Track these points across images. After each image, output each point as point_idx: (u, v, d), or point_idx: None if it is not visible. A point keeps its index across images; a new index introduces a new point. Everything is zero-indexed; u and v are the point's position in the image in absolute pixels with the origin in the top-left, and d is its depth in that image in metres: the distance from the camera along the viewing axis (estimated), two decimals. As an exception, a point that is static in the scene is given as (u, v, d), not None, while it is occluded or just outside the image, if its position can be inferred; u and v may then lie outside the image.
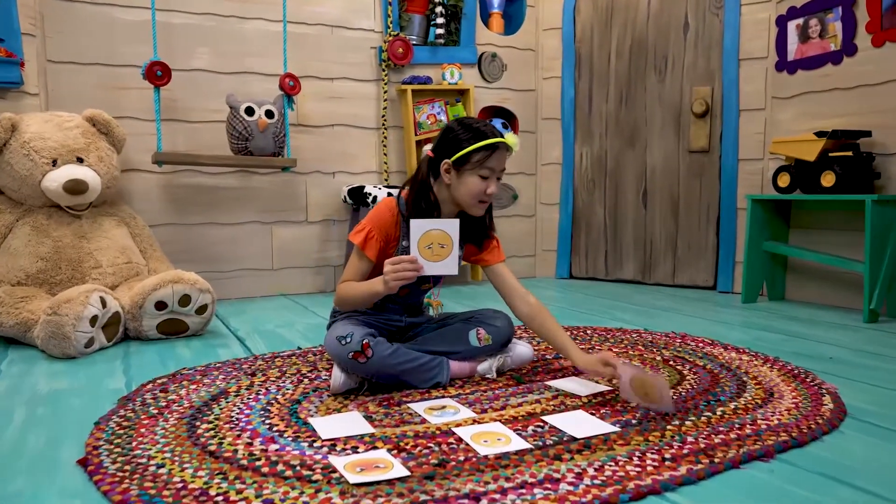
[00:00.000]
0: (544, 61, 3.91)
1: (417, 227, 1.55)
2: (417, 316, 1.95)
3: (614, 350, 2.15)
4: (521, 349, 1.92)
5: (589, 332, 2.43)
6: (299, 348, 2.19)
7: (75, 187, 2.45)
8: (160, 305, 2.29)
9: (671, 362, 1.98)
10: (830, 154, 2.78)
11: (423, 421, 1.46)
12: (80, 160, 2.54)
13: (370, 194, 3.13)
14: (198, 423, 1.45)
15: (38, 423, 1.49)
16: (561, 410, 1.53)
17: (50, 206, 2.53)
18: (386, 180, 3.49)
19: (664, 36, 3.55)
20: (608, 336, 2.36)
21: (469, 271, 3.78)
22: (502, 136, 1.69)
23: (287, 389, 1.73)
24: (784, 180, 2.97)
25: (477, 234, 1.84)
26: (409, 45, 3.40)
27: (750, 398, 1.63)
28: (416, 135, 3.47)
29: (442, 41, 3.62)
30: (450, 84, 3.56)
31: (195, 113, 3.07)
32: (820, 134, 2.80)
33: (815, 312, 2.87)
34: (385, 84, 3.44)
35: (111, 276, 2.52)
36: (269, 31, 3.13)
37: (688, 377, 1.81)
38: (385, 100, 3.45)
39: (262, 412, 1.53)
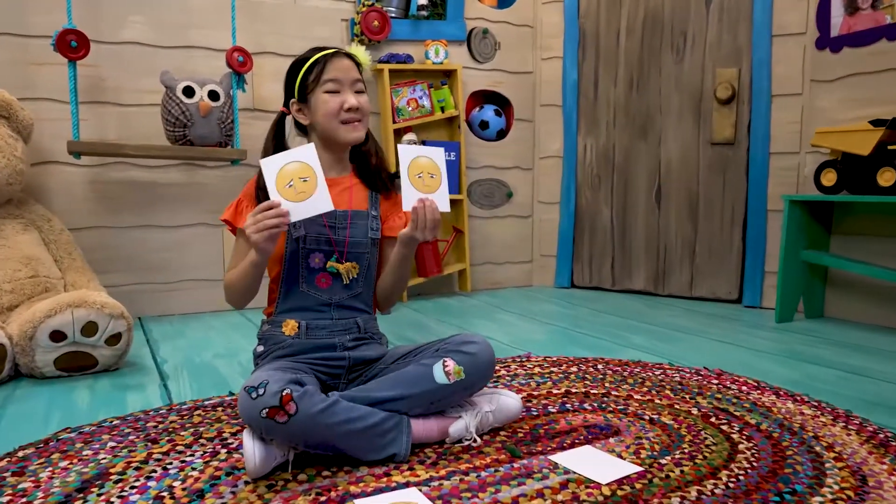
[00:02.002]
0: (543, 39, 3.41)
1: (268, 165, 1.30)
2: (361, 343, 1.47)
3: (635, 395, 1.67)
4: (506, 400, 1.44)
5: (600, 366, 1.95)
6: (231, 394, 1.71)
7: (-42, 184, 1.95)
8: (57, 336, 1.80)
9: (713, 418, 1.51)
10: (889, 147, 2.30)
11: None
12: (-32, 150, 2.05)
13: (338, 192, 2.65)
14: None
15: None
16: (574, 518, 1.06)
17: (-68, 207, 2.04)
18: (360, 175, 3.01)
19: (683, 9, 3.07)
20: (625, 373, 1.88)
21: (456, 280, 3.30)
22: (334, 49, 1.47)
23: (193, 468, 1.25)
24: (829, 178, 2.49)
25: (373, 173, 1.53)
26: (387, 17, 2.90)
27: (837, 488, 1.16)
28: (394, 122, 2.98)
29: (426, 14, 3.13)
30: (434, 64, 3.07)
31: (127, 94, 2.57)
32: (877, 123, 2.32)
33: (868, 336, 2.40)
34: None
35: (8, 295, 2.03)
36: (217, -1, 2.63)
37: (741, 448, 1.34)
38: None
39: (136, 521, 1.06)
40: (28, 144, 2.26)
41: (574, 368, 1.93)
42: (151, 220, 2.66)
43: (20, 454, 1.32)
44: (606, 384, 1.78)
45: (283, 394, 1.14)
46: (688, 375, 1.86)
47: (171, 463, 1.27)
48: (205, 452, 1.32)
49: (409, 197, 1.39)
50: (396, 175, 1.58)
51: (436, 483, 1.17)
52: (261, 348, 1.48)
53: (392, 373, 1.37)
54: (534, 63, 3.44)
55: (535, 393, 1.70)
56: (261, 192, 1.40)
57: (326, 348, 1.44)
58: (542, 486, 1.16)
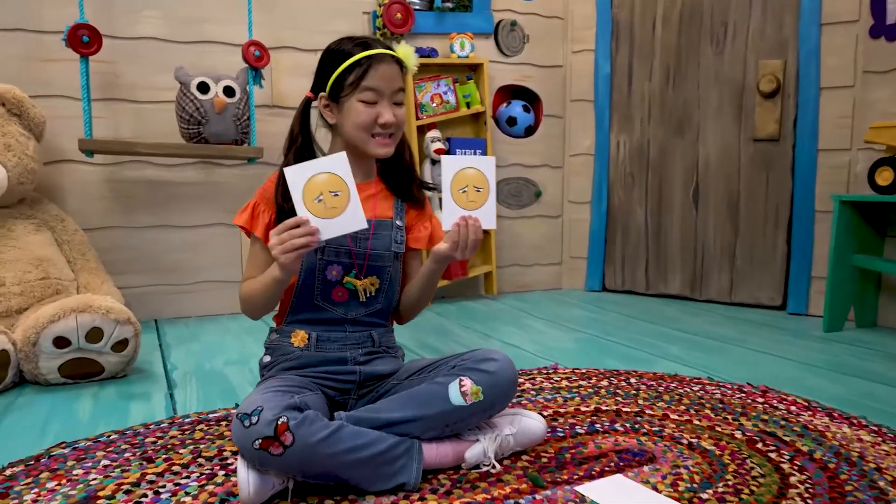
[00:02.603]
0: (574, 31, 3.26)
1: (294, 176, 1.15)
2: (374, 357, 1.36)
3: (672, 414, 1.53)
4: (529, 422, 1.31)
5: (633, 380, 1.81)
6: (237, 406, 1.61)
7: (-35, 184, 1.90)
8: (61, 342, 1.73)
9: (759, 444, 1.36)
10: (953, 143, 2.12)
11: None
12: (-23, 149, 1.99)
13: (358, 191, 2.54)
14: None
15: None
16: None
17: (-59, 206, 1.99)
18: (382, 174, 2.90)
19: (723, -3, 2.90)
20: (660, 388, 1.74)
21: (482, 283, 3.17)
22: (386, 49, 1.30)
23: (187, 493, 1.15)
24: (885, 177, 2.31)
25: (401, 182, 1.40)
26: (410, 9, 2.79)
27: (907, 533, 1.01)
28: (417, 119, 2.86)
29: (451, 5, 3.00)
30: (459, 57, 2.95)
31: (143, 91, 2.50)
32: (939, 116, 2.14)
33: (926, 348, 2.22)
34: (380, 57, 2.83)
35: (17, 297, 1.97)
36: (234, -9, 2.54)
37: (793, 482, 1.19)
38: (380, 76, 2.84)
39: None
40: (41, 143, 2.20)
41: (605, 382, 1.79)
42: (167, 219, 2.59)
43: (8, 472, 1.24)
44: (640, 401, 1.64)
45: (279, 423, 1.04)
46: (729, 392, 1.71)
47: (164, 486, 1.18)
48: (201, 474, 1.23)
49: (451, 214, 1.25)
50: (427, 186, 1.48)
51: (448, 517, 1.06)
52: (267, 358, 1.38)
53: (404, 391, 1.25)
54: (564, 56, 3.29)
55: (562, 410, 1.57)
56: (282, 197, 1.27)
57: (336, 362, 1.33)
58: (566, 524, 1.04)
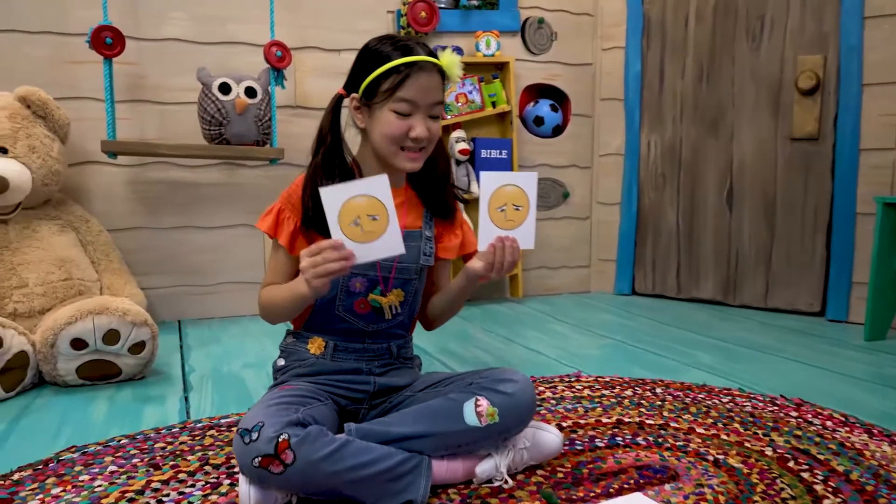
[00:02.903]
0: (604, 28, 3.18)
1: (330, 198, 1.07)
2: (391, 369, 1.32)
3: (698, 428, 1.45)
4: (544, 435, 1.26)
5: (659, 390, 1.74)
6: (249, 412, 1.59)
7: (-11, 185, 1.91)
8: (78, 344, 1.73)
9: (791, 462, 1.28)
10: None
11: None
12: (2, 150, 2.01)
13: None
14: None
15: None
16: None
17: (-32, 208, 2.01)
18: (406, 175, 2.87)
19: (760, -9, 2.79)
20: (687, 399, 1.66)
21: (507, 285, 3.11)
22: (429, 56, 1.21)
23: (190, 503, 1.12)
24: (932, 178, 2.18)
25: (433, 194, 1.33)
26: (435, 7, 2.74)
27: (953, 569, 0.93)
28: (442, 118, 2.82)
29: (476, 3, 2.95)
30: (485, 56, 2.89)
31: (168, 92, 2.51)
32: None
33: (976, 360, 2.09)
34: (405, 57, 2.79)
35: (40, 298, 1.98)
36: (258, -9, 2.53)
37: (827, 505, 1.11)
38: (404, 76, 2.81)
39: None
40: (65, 144, 2.22)
41: (629, 392, 1.72)
42: (191, 220, 2.60)
43: (15, 477, 1.23)
44: (665, 413, 1.57)
45: (279, 440, 1.00)
46: (761, 405, 1.63)
47: (167, 494, 1.16)
48: (206, 483, 1.20)
49: (487, 234, 1.18)
50: (462, 199, 1.41)
51: (454, 537, 1.01)
52: (282, 362, 1.35)
53: (417, 404, 1.20)
54: (593, 54, 3.21)
55: (582, 421, 1.51)
56: (310, 210, 1.21)
57: (351, 372, 1.30)
58: (579, 546, 0.98)
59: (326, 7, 2.70)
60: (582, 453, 1.33)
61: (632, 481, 1.20)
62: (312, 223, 1.22)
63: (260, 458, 1.00)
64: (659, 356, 2.13)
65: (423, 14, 2.75)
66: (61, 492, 1.17)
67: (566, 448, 1.34)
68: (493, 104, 2.91)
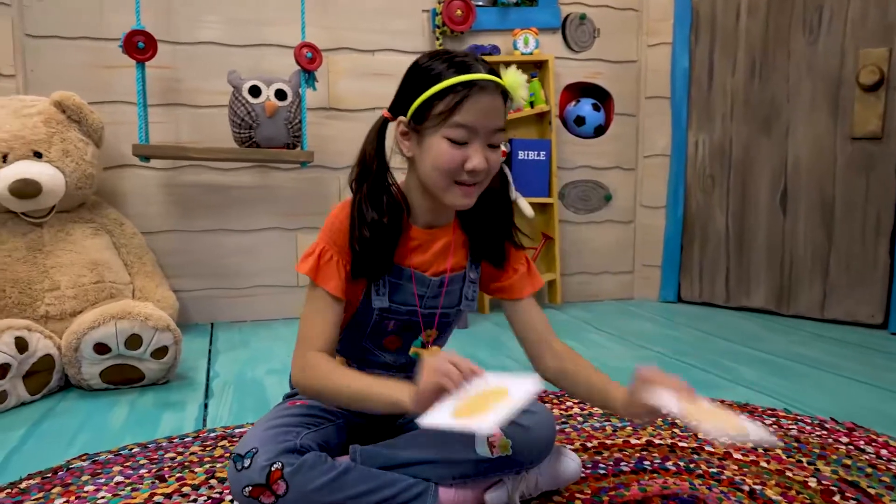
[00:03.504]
0: (650, 23, 3.05)
1: (438, 420, 0.84)
2: None
3: (735, 453, 1.34)
4: (562, 461, 1.17)
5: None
6: (264, 422, 1.55)
7: (23, 189, 1.94)
8: (101, 348, 1.73)
9: (837, 496, 1.16)
10: None
11: None
12: (37, 155, 2.04)
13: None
14: None
15: None
16: None
17: (5, 211, 2.05)
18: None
19: (818, -20, 2.61)
20: (726, 420, 1.54)
21: (546, 292, 3.01)
22: (491, 74, 1.01)
23: (188, 520, 1.09)
24: None
25: (488, 240, 1.15)
26: (471, 6, 2.67)
27: None
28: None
29: (514, 0, 2.86)
30: (523, 54, 2.80)
31: (202, 96, 2.51)
32: None
33: None
34: (440, 56, 2.73)
35: (72, 301, 2.00)
36: (291, -7, 2.51)
37: (876, 551, 0.99)
38: (439, 76, 2.75)
39: None
40: (100, 148, 2.24)
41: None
42: (225, 223, 2.60)
43: (23, 485, 1.22)
44: (700, 435, 1.45)
45: (272, 469, 0.94)
46: (808, 428, 1.50)
47: (166, 511, 1.13)
48: (209, 498, 1.17)
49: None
50: (518, 245, 1.19)
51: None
52: None
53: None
54: (638, 50, 3.08)
55: (609, 441, 1.42)
56: (357, 248, 1.05)
57: None
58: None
59: (360, 7, 2.67)
60: (604, 478, 1.24)
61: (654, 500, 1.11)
62: (362, 270, 1.07)
63: (251, 488, 0.94)
64: (701, 370, 2.01)
65: (459, 12, 2.68)
66: (63, 502, 1.15)
67: (588, 471, 1.26)
68: (532, 104, 2.82)
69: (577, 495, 1.17)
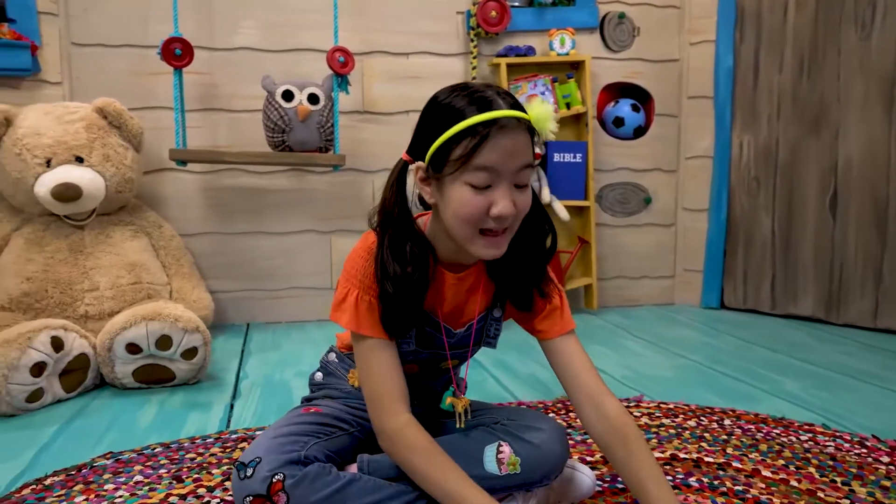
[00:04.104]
0: (692, 21, 2.96)
1: None
2: (433, 407, 1.23)
3: (764, 470, 1.28)
4: (576, 476, 1.13)
5: (728, 421, 1.56)
6: (285, 424, 1.56)
7: (64, 193, 2.01)
8: (132, 348, 1.77)
9: (871, 522, 1.09)
10: None
11: None
12: (79, 160, 2.11)
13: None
14: None
15: None
16: None
17: (49, 214, 2.13)
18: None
19: (871, -27, 2.48)
20: (759, 434, 1.48)
21: (582, 295, 2.96)
22: (507, 107, 0.92)
23: (199, 522, 1.10)
24: None
25: (518, 286, 1.07)
26: (506, 6, 2.64)
27: None
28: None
29: (550, 0, 2.82)
30: (559, 55, 2.76)
31: (239, 100, 2.56)
32: None
33: None
34: (474, 58, 2.71)
35: (110, 301, 2.06)
36: (325, -2, 2.53)
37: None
38: (474, 78, 2.73)
39: None
40: (139, 153, 2.30)
41: (692, 423, 1.55)
42: (261, 226, 2.64)
43: (47, 482, 1.26)
44: (729, 450, 1.39)
45: (273, 481, 0.94)
46: (847, 445, 1.42)
47: (179, 512, 1.14)
48: (223, 500, 1.18)
49: None
50: (545, 294, 1.10)
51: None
52: (320, 376, 1.31)
53: (438, 437, 1.08)
54: (680, 49, 2.99)
55: (631, 455, 1.37)
56: (381, 299, 1.01)
57: None
58: None
59: (393, 10, 2.67)
60: (622, 493, 1.20)
61: (672, 532, 1.06)
62: (391, 325, 1.01)
63: (251, 498, 0.94)
64: (738, 381, 1.93)
65: (494, 13, 2.65)
66: (84, 500, 1.18)
67: (605, 486, 1.22)
68: (568, 105, 2.77)
69: (592, 516, 1.13)
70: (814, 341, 2.41)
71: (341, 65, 2.34)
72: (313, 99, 2.33)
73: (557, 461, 1.07)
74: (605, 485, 1.22)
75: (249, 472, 0.95)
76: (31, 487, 1.23)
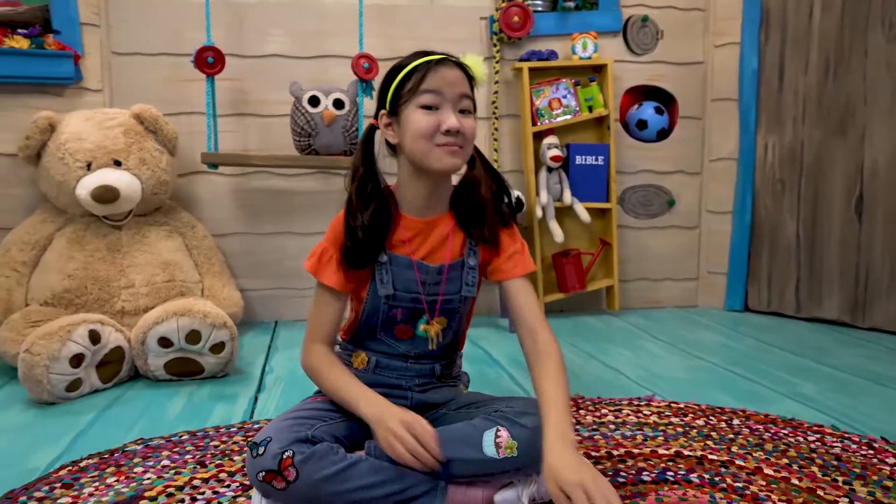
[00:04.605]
0: (717, 23, 2.96)
1: None
2: (431, 387, 1.30)
3: (766, 469, 1.30)
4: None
5: (737, 421, 1.58)
6: (304, 416, 1.64)
7: (103, 195, 2.12)
8: (164, 342, 1.87)
9: (867, 520, 1.11)
10: None
11: None
12: (117, 163, 2.22)
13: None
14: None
15: None
16: None
17: (89, 214, 2.24)
18: (498, 182, 2.82)
19: (899, -27, 2.46)
20: (766, 434, 1.49)
21: (603, 296, 2.98)
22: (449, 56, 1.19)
23: (220, 503, 1.18)
24: None
25: (466, 213, 1.24)
26: (528, 11, 2.69)
27: None
28: (533, 125, 2.75)
29: (573, 4, 2.85)
30: (581, 59, 2.79)
31: (268, 106, 2.65)
32: None
33: None
34: (497, 63, 2.76)
35: (145, 298, 2.17)
36: (351, 5, 2.59)
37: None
38: (496, 82, 2.78)
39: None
40: (174, 156, 2.41)
41: (700, 422, 1.58)
42: (289, 227, 2.73)
43: (83, 464, 1.35)
44: (734, 448, 1.42)
45: (283, 457, 1.02)
46: (853, 447, 1.43)
47: (203, 492, 1.22)
48: (241, 485, 1.25)
49: None
50: (507, 222, 1.27)
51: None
52: None
53: (439, 427, 1.16)
54: (704, 51, 2.99)
55: (636, 451, 1.40)
56: (350, 235, 1.19)
57: (391, 387, 1.29)
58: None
59: (417, 16, 2.74)
60: (622, 487, 1.23)
61: (667, 522, 1.10)
62: (351, 261, 1.20)
63: (264, 473, 1.02)
64: (753, 382, 1.94)
65: (517, 18, 2.70)
66: (115, 481, 1.27)
67: (607, 479, 1.25)
68: (590, 108, 2.80)
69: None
70: (836, 345, 2.40)
71: (366, 71, 2.41)
72: (338, 104, 2.41)
73: None
74: (608, 479, 1.26)
75: (261, 450, 1.03)
76: (67, 469, 1.33)
